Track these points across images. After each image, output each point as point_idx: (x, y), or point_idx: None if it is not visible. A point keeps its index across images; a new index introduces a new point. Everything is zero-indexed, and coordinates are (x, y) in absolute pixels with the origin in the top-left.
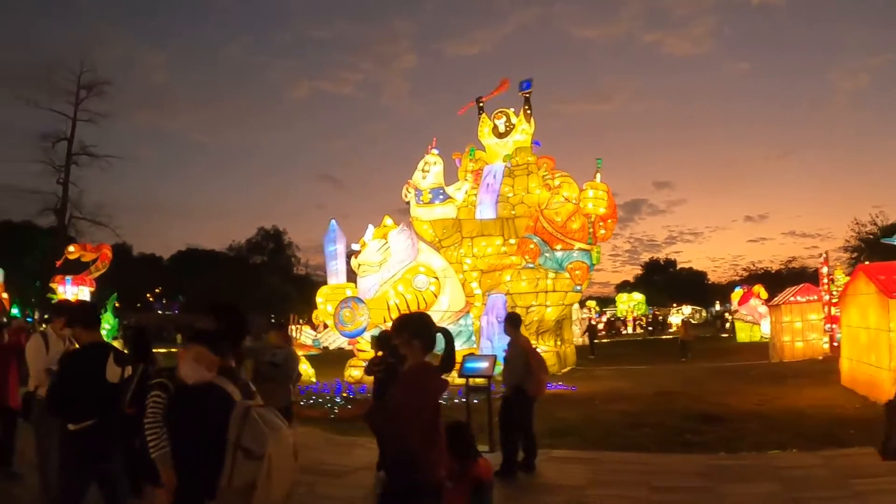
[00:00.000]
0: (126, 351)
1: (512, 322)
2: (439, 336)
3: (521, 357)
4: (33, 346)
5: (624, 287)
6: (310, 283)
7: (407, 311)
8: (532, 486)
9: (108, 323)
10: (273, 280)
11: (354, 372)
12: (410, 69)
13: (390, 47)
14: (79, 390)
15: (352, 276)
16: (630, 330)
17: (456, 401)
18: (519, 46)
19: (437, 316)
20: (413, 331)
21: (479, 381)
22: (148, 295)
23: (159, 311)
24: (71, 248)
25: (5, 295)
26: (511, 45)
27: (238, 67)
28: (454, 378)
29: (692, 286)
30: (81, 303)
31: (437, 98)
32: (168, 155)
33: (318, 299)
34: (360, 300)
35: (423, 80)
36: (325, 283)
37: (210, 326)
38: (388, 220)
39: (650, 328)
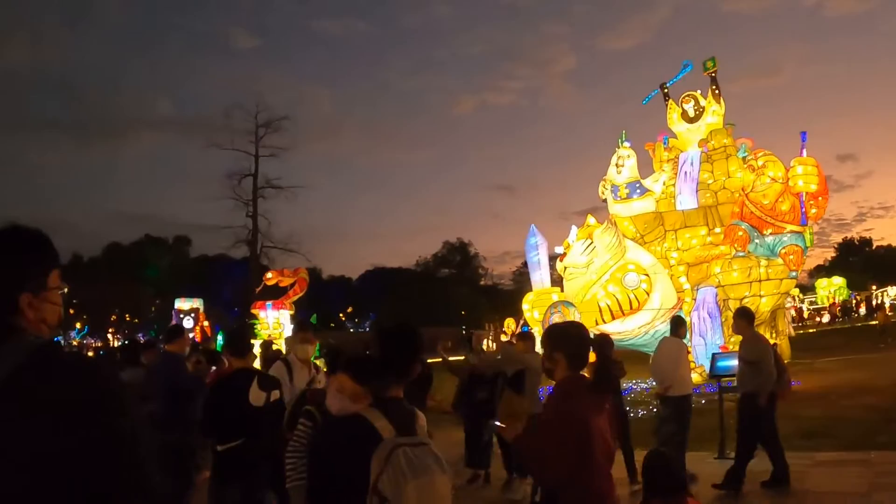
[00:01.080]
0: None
1: (745, 316)
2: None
3: (766, 355)
4: (276, 372)
5: (818, 272)
6: (497, 293)
7: (619, 312)
8: (809, 495)
9: None
10: (462, 292)
11: None
12: (570, 70)
13: (546, 51)
14: (224, 413)
15: (556, 279)
16: (827, 316)
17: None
18: (675, 30)
19: (650, 315)
20: (555, 342)
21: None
22: (340, 315)
23: (351, 330)
24: (269, 275)
25: (206, 323)
26: (667, 30)
27: (400, 92)
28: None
29: (894, 265)
30: (232, 330)
31: (601, 94)
32: (345, 181)
33: (524, 306)
34: (570, 304)
35: (584, 78)
36: (512, 291)
37: (375, 352)
38: (590, 220)
39: (855, 314)
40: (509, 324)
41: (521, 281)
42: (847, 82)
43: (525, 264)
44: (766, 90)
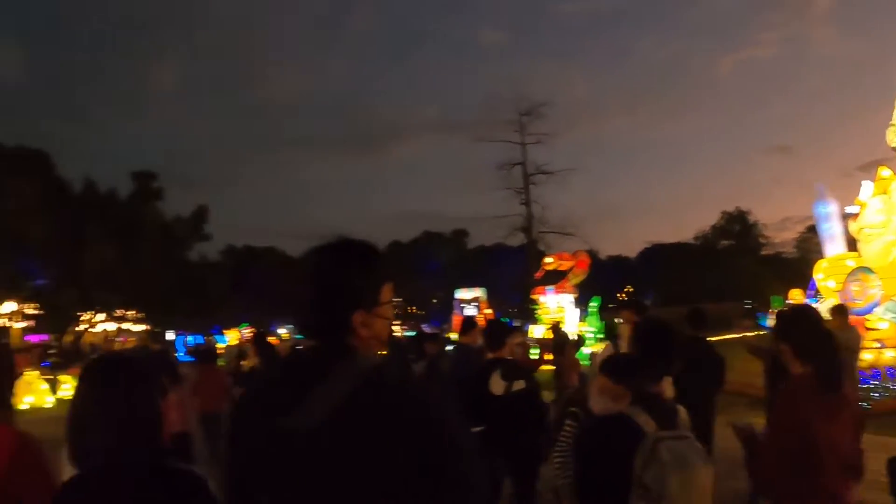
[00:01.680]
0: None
1: None
2: None
3: None
4: (602, 355)
5: None
6: (780, 262)
7: None
8: None
9: (593, 326)
10: (743, 263)
11: (866, 355)
12: (829, 9)
13: None
14: (468, 400)
15: (850, 242)
16: None
17: None
18: None
19: None
20: (782, 332)
21: None
22: (620, 295)
23: None
24: (548, 260)
25: (489, 311)
26: None
27: (657, 60)
28: None
29: None
30: (488, 324)
31: (870, 32)
32: (612, 158)
33: (818, 276)
34: (870, 270)
35: (848, 18)
36: (796, 259)
37: (634, 349)
38: (884, 172)
39: None
40: (794, 295)
41: (806, 248)
42: None
43: (810, 229)
44: None
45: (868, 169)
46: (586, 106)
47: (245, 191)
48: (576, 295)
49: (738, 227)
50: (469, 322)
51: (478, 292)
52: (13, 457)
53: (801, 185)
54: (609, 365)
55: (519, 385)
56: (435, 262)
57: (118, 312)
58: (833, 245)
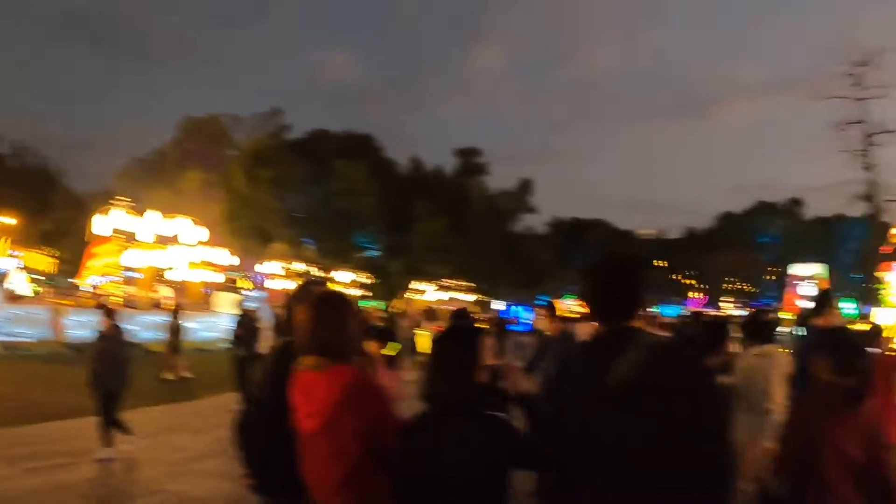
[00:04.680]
0: None
1: None
2: None
3: None
4: None
5: None
6: None
7: None
8: None
9: None
10: None
11: None
12: None
13: None
14: None
15: None
16: None
17: None
18: None
19: None
20: None
21: None
22: None
23: None
24: (894, 231)
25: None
26: None
27: None
28: None
29: None
30: None
31: None
32: None
33: None
34: None
35: None
36: None
37: None
38: None
39: None
40: None
41: None
42: None
43: None
44: None
45: None
46: None
47: (573, 164)
48: None
49: None
50: (823, 299)
51: (817, 268)
52: (346, 393)
53: None
54: None
55: None
56: (768, 234)
57: (446, 282)
58: None
